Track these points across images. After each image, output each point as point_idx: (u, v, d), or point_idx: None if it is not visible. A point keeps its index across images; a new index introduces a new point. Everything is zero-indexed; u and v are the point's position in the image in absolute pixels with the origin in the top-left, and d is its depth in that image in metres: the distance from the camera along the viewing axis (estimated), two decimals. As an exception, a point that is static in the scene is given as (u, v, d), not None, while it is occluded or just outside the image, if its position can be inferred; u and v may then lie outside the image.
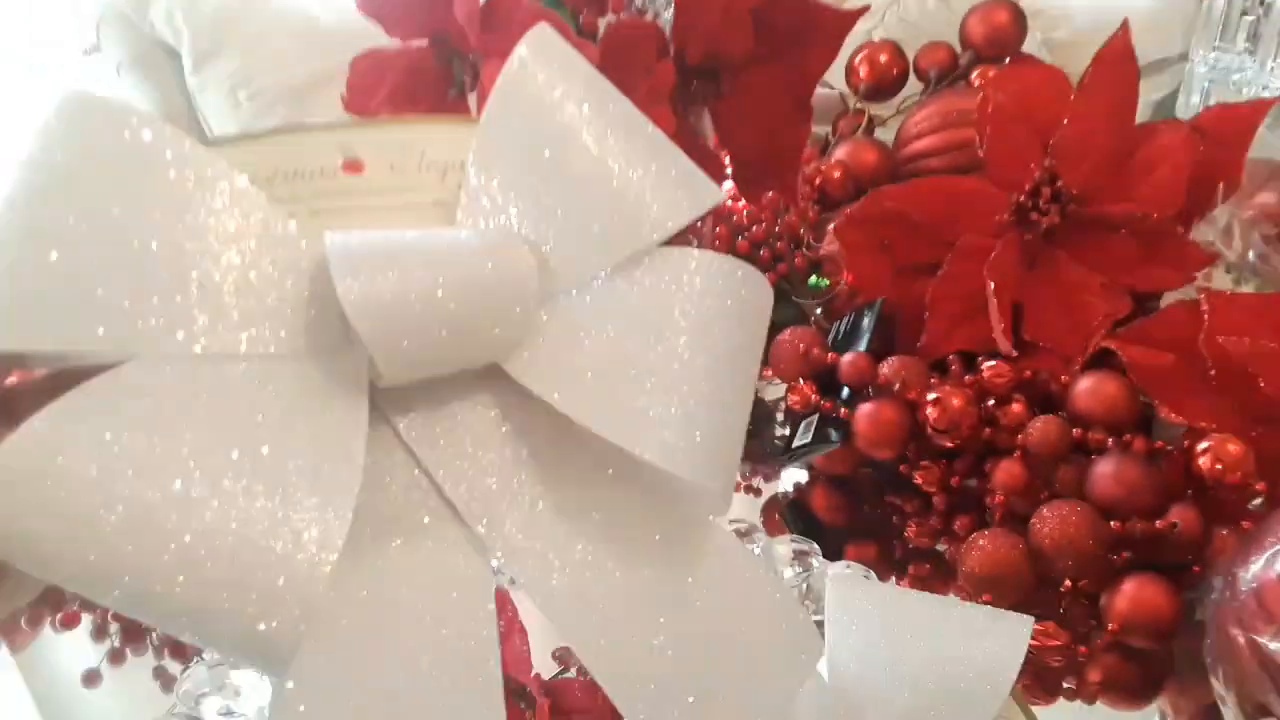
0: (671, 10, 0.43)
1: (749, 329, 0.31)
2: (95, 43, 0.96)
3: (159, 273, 0.24)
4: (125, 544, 0.22)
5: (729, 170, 0.48)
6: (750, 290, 0.31)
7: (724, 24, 0.42)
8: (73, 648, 0.45)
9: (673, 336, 0.28)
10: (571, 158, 0.29)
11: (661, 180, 0.29)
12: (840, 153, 0.70)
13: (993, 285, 0.53)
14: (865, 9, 0.50)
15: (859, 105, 0.75)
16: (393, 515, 0.27)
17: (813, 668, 0.33)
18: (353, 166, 0.28)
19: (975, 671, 0.34)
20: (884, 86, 0.75)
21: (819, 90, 0.85)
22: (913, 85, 0.77)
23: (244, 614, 0.22)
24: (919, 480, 0.52)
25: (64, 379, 0.23)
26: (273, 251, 0.25)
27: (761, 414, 0.67)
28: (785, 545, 0.50)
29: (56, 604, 0.46)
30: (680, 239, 0.30)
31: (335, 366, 0.25)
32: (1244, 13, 1.15)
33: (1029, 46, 0.86)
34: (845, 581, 0.42)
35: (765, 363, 0.60)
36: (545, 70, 0.29)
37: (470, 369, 0.27)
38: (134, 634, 0.45)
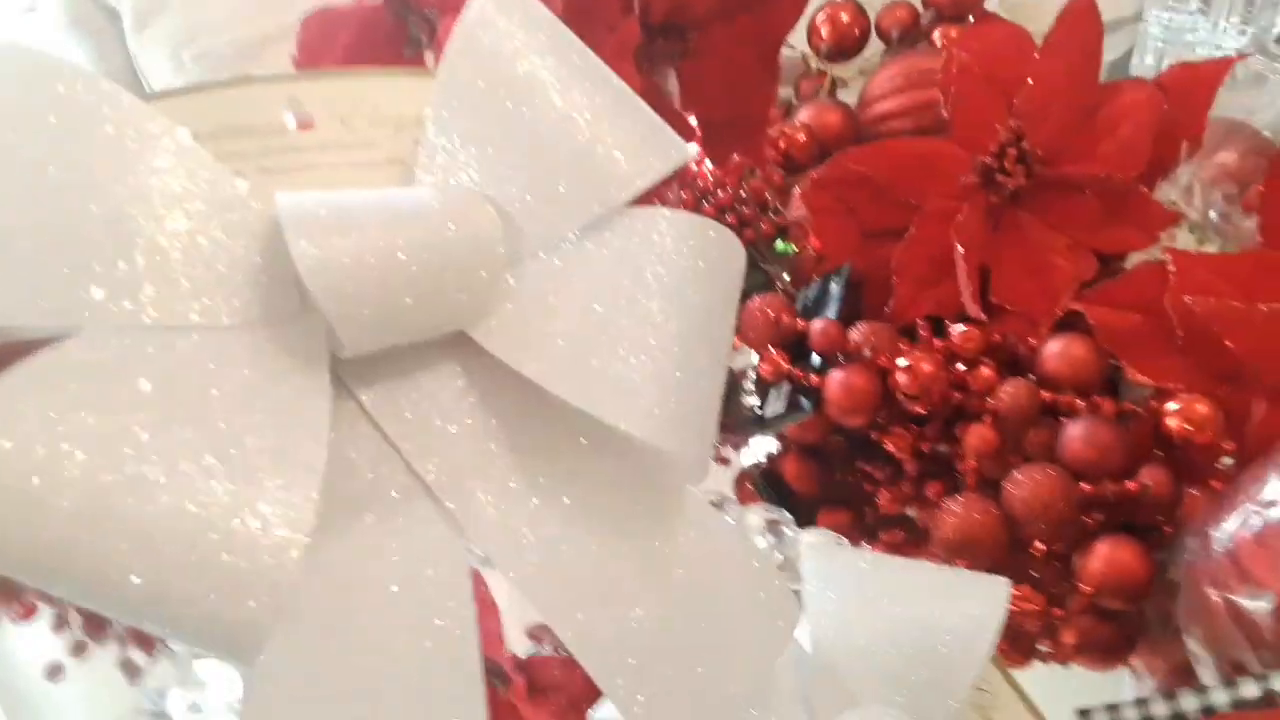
0: (635, -32, 0.41)
1: (722, 290, 0.30)
2: (32, 2, 0.92)
3: (100, 239, 0.22)
4: (77, 531, 0.21)
5: (696, 131, 0.47)
6: (722, 250, 0.30)
7: (689, -19, 0.41)
8: (33, 640, 0.44)
9: (644, 300, 0.28)
10: (535, 112, 0.28)
11: (629, 136, 0.28)
12: (804, 115, 0.69)
13: (961, 249, 0.53)
14: (832, -35, 0.48)
15: (821, 66, 0.74)
16: (361, 492, 0.26)
17: (790, 635, 0.33)
18: (303, 123, 0.27)
19: (955, 634, 0.34)
20: (846, 47, 0.74)
21: (782, 52, 0.84)
22: (875, 46, 0.76)
23: (209, 602, 0.21)
24: (890, 447, 0.51)
25: (3, 354, 0.22)
26: (222, 214, 0.24)
27: (729, 382, 0.67)
28: (758, 515, 0.49)
29: (10, 595, 0.44)
30: (646, 199, 0.29)
31: (293, 336, 0.24)
32: (1196, -29, 1.16)
33: (988, 5, 0.86)
34: (821, 549, 0.41)
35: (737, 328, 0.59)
36: (506, 19, 0.28)
37: (435, 337, 0.26)
38: (96, 625, 0.44)
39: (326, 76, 0.28)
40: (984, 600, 0.35)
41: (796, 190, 0.61)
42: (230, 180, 0.24)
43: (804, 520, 0.50)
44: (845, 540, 0.45)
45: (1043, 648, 0.45)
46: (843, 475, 0.55)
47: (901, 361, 0.50)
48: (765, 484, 0.55)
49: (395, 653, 0.25)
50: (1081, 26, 0.56)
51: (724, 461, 0.60)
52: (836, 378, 0.51)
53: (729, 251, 0.30)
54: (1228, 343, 0.46)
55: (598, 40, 0.42)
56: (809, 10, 0.71)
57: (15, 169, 0.22)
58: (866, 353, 0.51)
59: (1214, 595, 0.37)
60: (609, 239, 0.28)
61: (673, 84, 0.44)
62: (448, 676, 0.26)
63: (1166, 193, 0.56)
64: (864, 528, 0.54)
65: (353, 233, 0.23)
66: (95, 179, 0.22)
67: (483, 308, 0.26)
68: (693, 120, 0.49)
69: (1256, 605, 0.35)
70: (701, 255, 0.29)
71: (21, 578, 0.21)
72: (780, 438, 0.57)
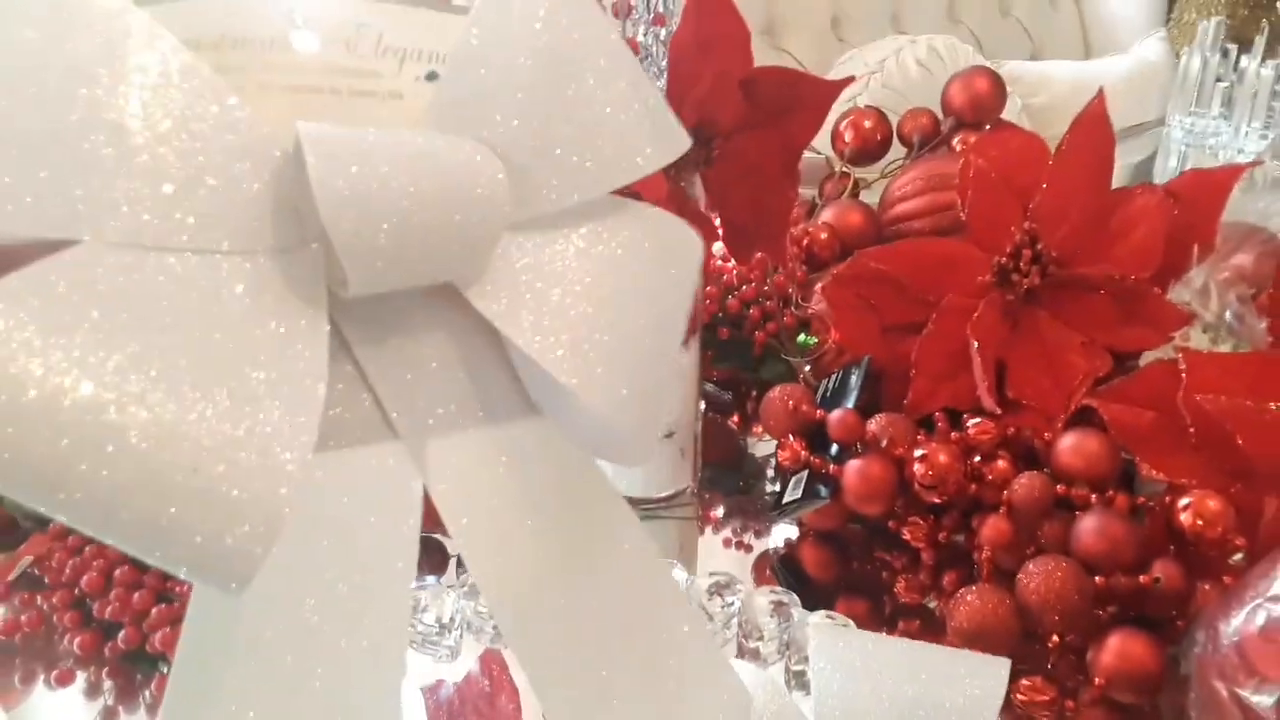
0: (664, 80, 0.44)
1: (682, 284, 0.31)
2: None
3: (99, 152, 0.21)
4: (73, 450, 0.20)
5: (720, 232, 0.49)
6: (686, 247, 0.31)
7: (714, 94, 0.44)
8: (66, 706, 0.45)
9: (618, 284, 0.28)
10: (558, 80, 0.27)
11: (642, 122, 0.28)
12: (827, 215, 0.72)
13: (976, 344, 0.54)
14: (850, 80, 0.52)
15: (844, 169, 0.77)
16: (335, 423, 0.26)
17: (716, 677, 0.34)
18: (306, 39, 0.26)
19: (958, 712, 0.35)
20: (868, 151, 0.77)
21: (805, 155, 0.87)
22: (896, 150, 0.79)
23: (208, 527, 0.21)
24: (907, 536, 0.52)
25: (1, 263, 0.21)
26: (225, 133, 0.23)
27: (752, 470, 0.68)
28: (765, 597, 0.50)
29: (50, 662, 0.46)
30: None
31: (293, 267, 0.24)
32: (1218, 79, 1.19)
33: (1008, 112, 0.89)
34: (826, 629, 0.42)
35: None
36: None
37: (429, 286, 0.26)
38: (128, 692, 0.46)
39: None
40: (986, 680, 0.36)
41: (818, 286, 0.63)
42: (235, 102, 0.23)
43: (821, 608, 0.51)
44: (851, 622, 0.46)
45: (1057, 741, 0.45)
46: (861, 564, 0.56)
47: (918, 452, 0.51)
48: (783, 570, 0.56)
49: (334, 583, 0.26)
50: (1094, 133, 0.59)
51: (746, 548, 0.61)
52: (854, 466, 0.52)
53: (691, 249, 0.31)
54: (1239, 441, 0.47)
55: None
56: (832, 115, 0.74)
57: (13, 75, 0.21)
58: (884, 443, 0.53)
59: (1221, 689, 0.38)
60: (602, 218, 0.28)
61: (698, 187, 0.47)
62: (379, 600, 0.27)
63: (1180, 293, 0.58)
64: (882, 617, 0.54)
65: (369, 170, 0.23)
66: (95, 91, 0.22)
67: (476, 262, 0.26)
68: (717, 220, 0.51)
69: (1261, 699, 0.36)
70: (668, 250, 0.30)
71: (18, 496, 0.20)
72: (799, 525, 0.58)
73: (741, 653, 0.49)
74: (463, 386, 0.28)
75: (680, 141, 0.29)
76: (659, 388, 0.30)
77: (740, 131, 0.45)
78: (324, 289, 0.24)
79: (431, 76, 0.27)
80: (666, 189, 0.44)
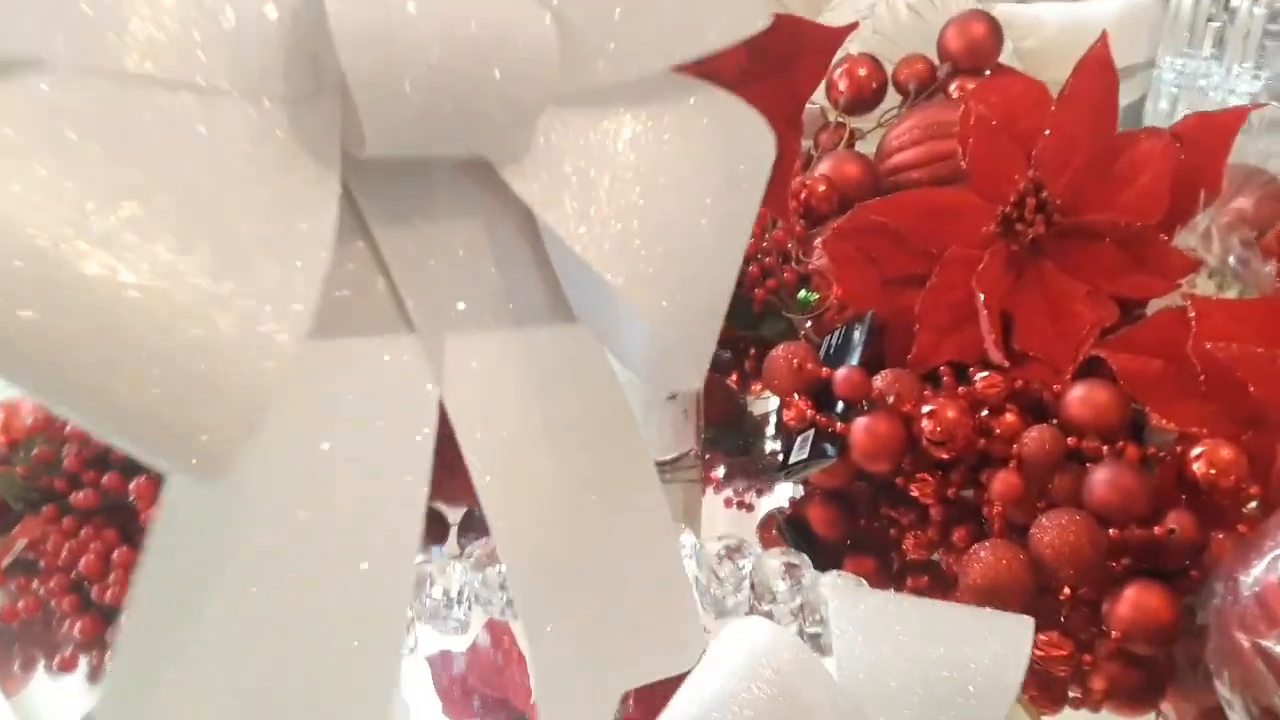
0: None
1: (754, 186, 0.28)
2: None
3: None
4: (34, 298, 0.17)
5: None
6: (759, 143, 0.28)
7: (713, 44, 0.42)
8: (68, 692, 0.45)
9: (680, 177, 0.25)
10: None
11: None
12: (823, 167, 0.70)
13: (983, 296, 0.53)
14: (854, 26, 0.50)
15: (839, 119, 0.76)
16: (341, 307, 0.23)
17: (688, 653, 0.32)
18: None
19: (983, 674, 0.34)
20: (864, 99, 0.76)
21: (799, 105, 0.85)
22: (892, 98, 0.78)
23: (176, 401, 0.18)
24: (915, 492, 0.52)
25: None
26: None
27: (752, 428, 0.67)
28: (776, 559, 0.50)
29: (50, 648, 0.45)
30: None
31: (305, 116, 0.21)
32: (1209, 19, 1.17)
33: (1004, 56, 0.87)
34: (844, 591, 0.42)
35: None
36: None
37: (455, 158, 0.23)
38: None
39: None
40: (1010, 640, 0.35)
41: (818, 240, 0.62)
42: None
43: (828, 566, 0.51)
44: (865, 582, 0.45)
45: (1073, 694, 0.45)
46: (868, 521, 0.56)
47: (926, 408, 0.50)
48: (790, 529, 0.56)
49: (346, 474, 0.23)
50: (1097, 78, 0.58)
51: (748, 508, 0.60)
52: (861, 424, 0.51)
53: (763, 142, 0.28)
54: (1250, 388, 0.46)
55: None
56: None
57: None
58: (890, 399, 0.52)
59: (1243, 639, 0.37)
60: (658, 100, 0.25)
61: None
62: (391, 526, 0.24)
63: (1187, 239, 0.57)
64: (890, 574, 0.54)
65: (398, 13, 0.20)
66: None
67: (518, 136, 0.23)
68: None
69: (1287, 649, 0.36)
70: (737, 140, 0.27)
71: None
72: (805, 484, 0.57)
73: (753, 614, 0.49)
74: (490, 279, 0.25)
75: (757, 18, 0.26)
76: (717, 298, 0.26)
77: (742, 83, 0.44)
78: (338, 147, 0.21)
79: None
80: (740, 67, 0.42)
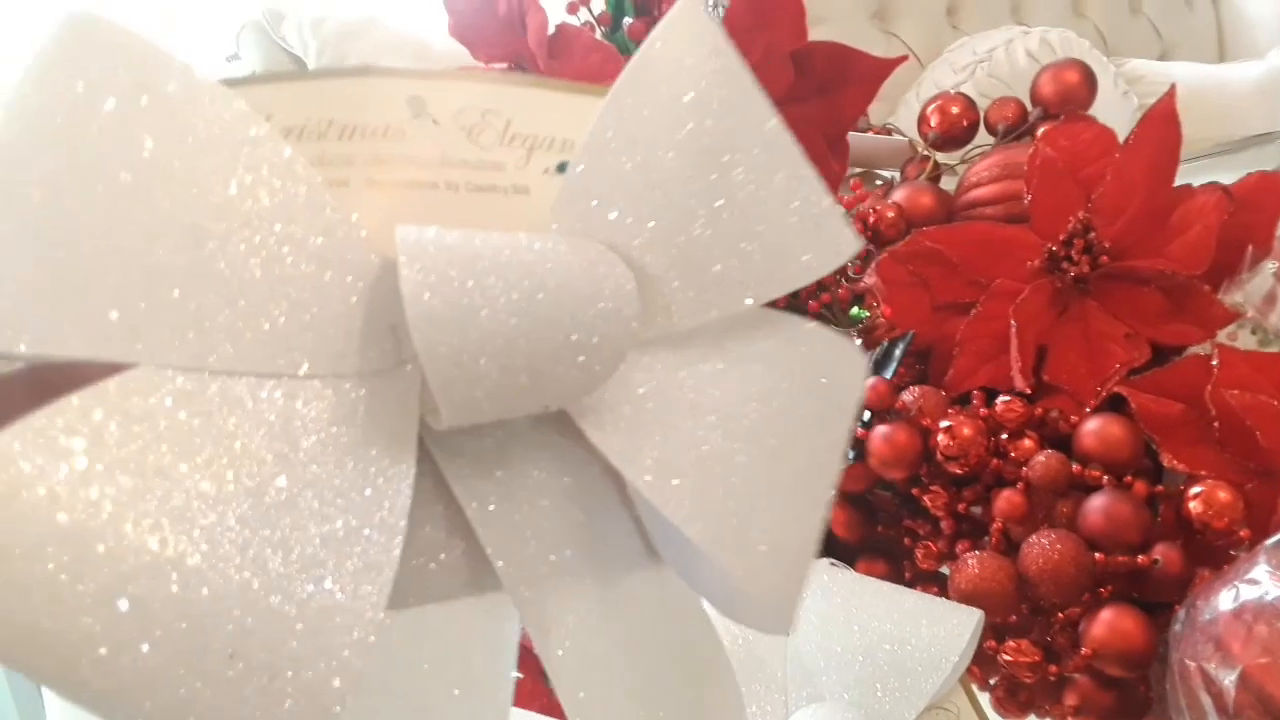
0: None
1: (845, 420, 0.26)
2: (235, 51, 1.06)
3: (169, 261, 0.18)
4: (92, 618, 0.17)
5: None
6: (850, 374, 0.27)
7: (764, 64, 0.47)
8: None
9: (766, 416, 0.24)
10: (706, 173, 0.23)
11: (801, 226, 0.24)
12: (898, 194, 0.73)
13: (1015, 325, 0.56)
14: (904, 59, 0.53)
15: (926, 152, 0.79)
16: (412, 579, 0.22)
17: None
18: (423, 128, 0.22)
19: (923, 651, 0.38)
20: (953, 136, 0.78)
21: (892, 138, 0.89)
22: (984, 138, 0.80)
23: (251, 714, 0.18)
24: (926, 502, 0.55)
25: (45, 380, 0.18)
26: (318, 238, 0.20)
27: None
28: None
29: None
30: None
31: (380, 393, 0.20)
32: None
33: (1125, 111, 0.88)
34: (818, 566, 0.45)
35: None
36: (694, 56, 0.23)
37: (538, 413, 0.22)
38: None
39: (458, 78, 0.23)
40: (955, 625, 0.38)
41: (875, 261, 0.65)
42: (333, 200, 0.20)
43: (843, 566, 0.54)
44: (844, 565, 0.49)
45: (1045, 708, 0.47)
46: (886, 529, 0.59)
47: (944, 423, 0.53)
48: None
49: None
50: (1161, 130, 0.59)
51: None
52: (880, 432, 0.54)
53: (854, 372, 0.27)
54: (1260, 437, 0.48)
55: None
56: (923, 97, 0.75)
57: (80, 170, 0.18)
58: (913, 412, 0.55)
59: (1191, 665, 0.39)
60: (742, 337, 0.24)
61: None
62: None
63: (1234, 294, 0.58)
64: (901, 581, 0.56)
65: (474, 283, 0.20)
66: (173, 188, 0.18)
67: (594, 389, 0.22)
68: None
69: (1225, 675, 0.37)
70: (826, 373, 0.26)
71: (24, 671, 0.17)
72: (831, 487, 0.61)
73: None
74: (578, 528, 0.24)
75: (849, 246, 0.25)
76: (806, 541, 0.25)
77: (790, 103, 0.48)
78: (415, 421, 0.21)
79: (563, 168, 0.24)
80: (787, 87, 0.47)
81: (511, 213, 0.23)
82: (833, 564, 0.48)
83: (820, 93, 0.48)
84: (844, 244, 0.25)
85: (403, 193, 0.22)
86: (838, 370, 0.26)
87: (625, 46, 0.51)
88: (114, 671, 0.17)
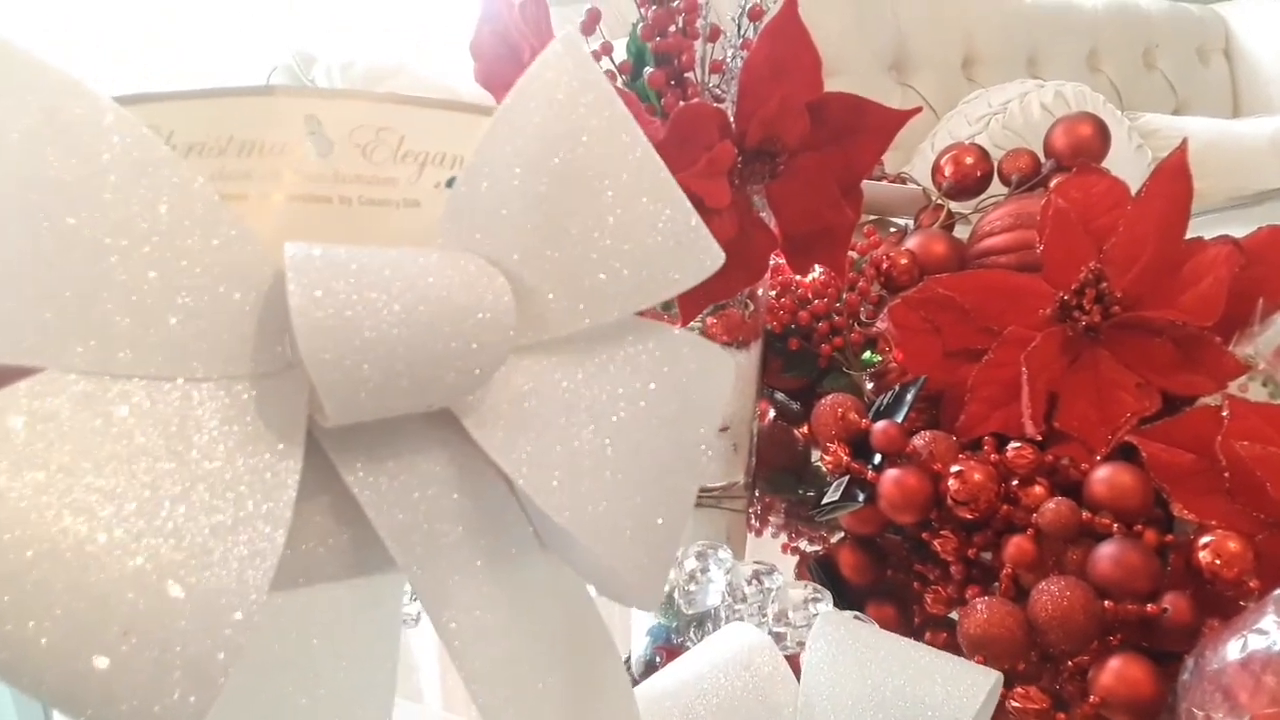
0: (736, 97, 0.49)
1: (705, 416, 0.29)
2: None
3: (75, 270, 0.20)
4: (2, 597, 0.18)
5: (778, 240, 0.53)
6: (715, 374, 0.29)
7: (781, 114, 0.48)
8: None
9: (635, 415, 0.26)
10: (582, 192, 0.25)
11: (668, 241, 0.26)
12: (912, 241, 0.74)
13: (1026, 372, 0.56)
14: (918, 110, 0.54)
15: (939, 201, 0.80)
16: (303, 562, 0.24)
17: None
18: (321, 149, 0.24)
19: (935, 710, 0.37)
20: (967, 186, 0.80)
21: (906, 186, 0.90)
22: (997, 189, 0.81)
23: (136, 694, 0.19)
24: (937, 547, 0.55)
25: None
26: (214, 250, 0.21)
27: (813, 480, 0.71)
28: (800, 590, 0.53)
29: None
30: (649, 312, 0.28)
31: (271, 394, 0.22)
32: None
33: (1139, 165, 0.89)
34: (834, 617, 0.45)
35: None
36: (573, 84, 0.26)
37: (422, 412, 0.24)
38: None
39: (354, 97, 0.24)
40: (970, 686, 0.38)
41: (888, 307, 0.66)
42: (227, 215, 0.21)
43: (850, 610, 0.54)
44: (867, 618, 0.49)
45: (1054, 755, 0.47)
46: (895, 573, 0.59)
47: (955, 468, 0.54)
48: (819, 570, 0.59)
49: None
50: (1172, 184, 0.60)
51: (797, 552, 0.64)
52: (891, 475, 0.55)
53: (719, 376, 0.29)
54: (1270, 489, 0.48)
55: (695, 156, 0.49)
56: (937, 147, 0.76)
57: None
58: (924, 457, 0.55)
59: (1199, 715, 0.39)
60: (614, 343, 0.26)
61: (762, 201, 0.51)
62: None
63: (1245, 346, 0.58)
64: (910, 627, 0.57)
65: (357, 296, 0.21)
66: (75, 204, 0.20)
67: (474, 390, 0.24)
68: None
69: (1232, 725, 0.37)
70: (693, 376, 0.28)
71: None
72: (841, 529, 0.61)
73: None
74: (466, 513, 0.26)
75: (712, 261, 0.27)
76: (671, 526, 0.27)
77: (805, 151, 0.49)
78: (304, 419, 0.22)
79: (453, 183, 0.25)
80: (730, 197, 0.48)
81: (403, 225, 0.25)
82: (857, 617, 0.48)
83: (835, 141, 0.49)
84: (708, 259, 0.27)
85: (298, 206, 0.24)
86: (703, 372, 0.28)
87: (646, 95, 0.53)
88: (18, 645, 0.18)
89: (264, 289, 0.22)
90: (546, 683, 0.27)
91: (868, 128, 0.50)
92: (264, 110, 0.23)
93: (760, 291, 0.58)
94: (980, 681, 0.40)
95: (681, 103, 0.50)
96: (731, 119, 0.49)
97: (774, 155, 0.49)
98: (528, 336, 0.25)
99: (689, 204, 0.27)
